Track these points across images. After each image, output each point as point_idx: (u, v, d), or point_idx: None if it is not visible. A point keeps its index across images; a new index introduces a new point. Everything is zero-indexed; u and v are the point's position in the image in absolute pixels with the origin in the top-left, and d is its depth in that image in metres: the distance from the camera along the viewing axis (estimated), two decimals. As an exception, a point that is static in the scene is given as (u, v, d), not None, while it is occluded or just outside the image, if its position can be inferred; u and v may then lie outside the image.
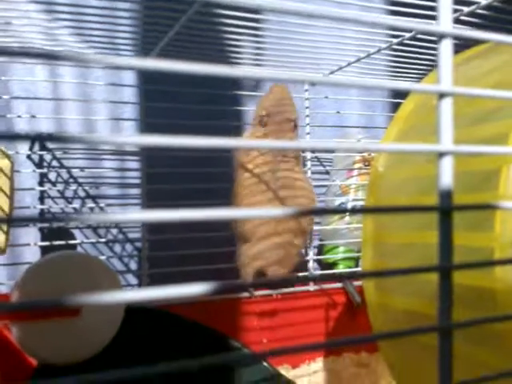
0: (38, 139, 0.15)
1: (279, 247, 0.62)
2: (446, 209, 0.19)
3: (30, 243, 0.65)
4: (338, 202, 0.78)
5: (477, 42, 0.38)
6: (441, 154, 0.19)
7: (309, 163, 0.77)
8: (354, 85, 0.19)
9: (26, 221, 0.14)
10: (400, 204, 0.32)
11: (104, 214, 0.14)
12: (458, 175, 0.29)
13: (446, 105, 0.19)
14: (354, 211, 0.18)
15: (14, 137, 0.17)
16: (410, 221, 0.31)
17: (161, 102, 0.69)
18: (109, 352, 0.44)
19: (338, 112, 0.83)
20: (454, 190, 0.24)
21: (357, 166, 0.79)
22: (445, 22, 0.20)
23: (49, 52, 0.15)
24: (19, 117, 0.68)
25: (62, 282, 0.42)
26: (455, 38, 0.20)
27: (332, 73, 0.73)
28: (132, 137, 0.16)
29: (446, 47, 0.20)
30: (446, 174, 0.19)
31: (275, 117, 0.63)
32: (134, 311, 0.49)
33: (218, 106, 0.74)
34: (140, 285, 0.70)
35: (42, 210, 0.69)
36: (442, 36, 0.20)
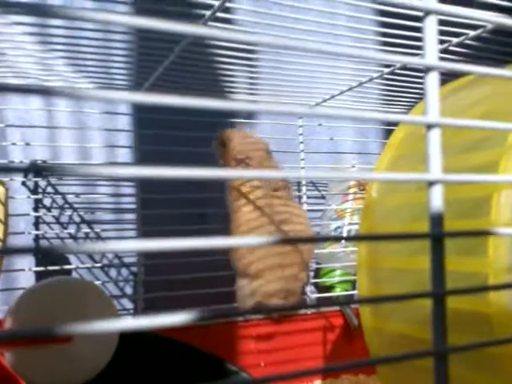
0: (33, 170, 0.15)
1: (281, 281, 0.62)
2: (437, 236, 0.20)
3: (25, 268, 0.65)
4: (333, 226, 0.79)
5: (464, 73, 0.40)
6: (430, 183, 0.20)
7: (304, 188, 0.78)
8: (344, 116, 0.20)
9: (20, 252, 0.14)
10: (393, 230, 0.33)
11: (98, 243, 0.15)
12: (450, 202, 0.29)
13: (434, 135, 0.20)
14: (347, 238, 0.19)
15: (10, 169, 0.18)
16: (403, 246, 0.32)
17: (155, 129, 0.70)
18: (103, 377, 0.44)
19: (332, 139, 0.84)
20: (446, 216, 0.24)
21: (352, 190, 0.80)
22: (431, 55, 0.21)
23: (45, 88, 0.15)
24: (14, 144, 0.69)
25: (56, 308, 0.42)
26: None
27: (324, 101, 0.74)
28: (127, 167, 0.16)
29: (432, 79, 0.20)
30: (436, 202, 0.20)
31: (251, 153, 0.64)
32: (128, 336, 0.49)
33: (212, 132, 0.75)
34: (135, 309, 0.70)
35: (36, 235, 0.69)
36: (428, 69, 0.20)
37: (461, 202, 0.28)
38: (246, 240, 0.18)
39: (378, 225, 0.35)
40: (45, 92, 0.15)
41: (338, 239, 0.19)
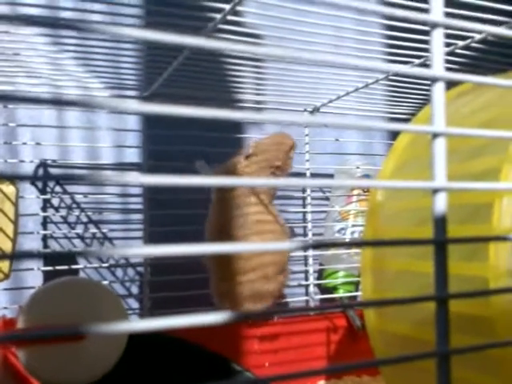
0: (44, 179, 0.16)
1: (252, 283, 0.62)
2: (440, 241, 0.20)
3: (33, 268, 0.66)
4: (337, 227, 0.80)
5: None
6: (435, 191, 0.21)
7: (308, 189, 0.78)
8: (347, 125, 0.21)
9: (29, 257, 0.15)
10: (398, 233, 0.33)
11: (106, 249, 0.15)
12: (452, 208, 0.30)
13: (440, 144, 0.21)
14: (351, 244, 0.19)
15: (21, 178, 0.18)
16: (408, 250, 0.33)
17: (163, 129, 0.71)
18: (113, 375, 0.44)
19: (337, 139, 0.84)
20: (448, 221, 0.25)
21: (356, 192, 0.80)
22: (437, 65, 0.21)
23: (57, 98, 0.16)
24: (24, 144, 0.70)
25: (67, 308, 0.43)
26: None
27: (330, 102, 0.74)
28: (136, 176, 0.17)
29: (438, 90, 0.21)
30: (440, 209, 0.20)
31: (258, 157, 0.63)
32: (137, 335, 0.50)
33: (219, 133, 0.76)
34: (141, 309, 0.71)
35: (44, 235, 0.70)
36: (434, 80, 0.21)
37: (463, 208, 0.29)
38: (252, 245, 0.19)
39: (382, 228, 0.36)
40: (55, 102, 0.16)
41: (342, 245, 0.19)
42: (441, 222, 0.21)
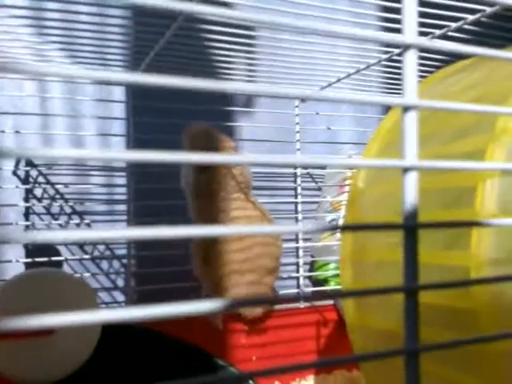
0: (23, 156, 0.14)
1: (241, 288, 0.60)
2: (410, 226, 0.18)
3: (13, 260, 0.64)
4: (328, 218, 0.78)
5: (461, 57, 0.38)
6: (405, 170, 0.19)
7: (299, 179, 0.76)
8: (342, 100, 0.18)
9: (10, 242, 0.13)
10: (377, 221, 0.31)
11: (89, 231, 0.14)
12: (434, 192, 0.28)
13: (411, 118, 0.19)
14: (330, 229, 0.17)
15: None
16: (387, 239, 0.31)
17: (150, 117, 0.69)
18: (85, 371, 0.43)
19: (329, 128, 0.82)
20: (429, 207, 0.23)
21: (348, 182, 0.78)
22: (409, 32, 0.19)
23: (38, 69, 0.14)
24: (2, 132, 0.68)
25: (36, 300, 0.41)
26: (429, 51, 0.19)
27: (322, 89, 0.72)
28: (120, 152, 0.15)
29: (410, 58, 0.19)
30: (411, 191, 0.18)
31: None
32: (111, 328, 0.48)
33: (208, 121, 0.74)
34: (127, 302, 0.69)
35: (26, 225, 0.68)
36: (406, 47, 0.19)
37: (446, 192, 0.27)
38: (237, 228, 0.17)
39: (362, 217, 0.34)
40: (41, 74, 0.14)
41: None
42: (411, 206, 0.18)
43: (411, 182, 0.19)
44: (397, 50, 0.60)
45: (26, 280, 0.42)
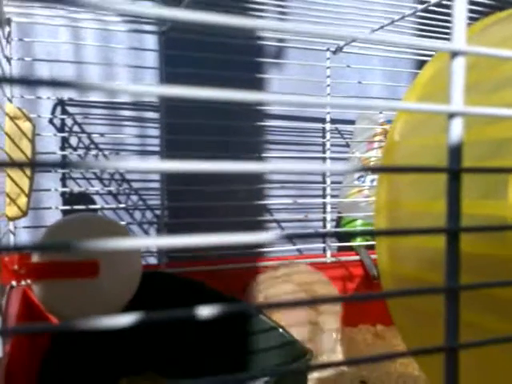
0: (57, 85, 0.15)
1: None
2: (454, 170, 0.19)
3: (52, 207, 0.67)
4: (356, 175, 0.78)
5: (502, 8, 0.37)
6: (451, 115, 0.19)
7: (328, 135, 0.76)
8: (393, 42, 0.19)
9: (47, 165, 0.14)
10: (412, 174, 0.32)
11: (122, 161, 0.14)
12: (472, 143, 0.28)
13: (459, 64, 0.19)
14: (366, 170, 0.18)
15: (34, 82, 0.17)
16: (423, 190, 0.31)
17: (182, 67, 0.69)
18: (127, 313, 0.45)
19: (360, 82, 0.81)
20: (468, 158, 0.23)
21: (377, 138, 0.78)
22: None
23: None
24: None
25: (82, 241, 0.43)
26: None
27: (354, 41, 0.71)
28: (153, 86, 0.16)
29: (459, 2, 0.19)
30: (456, 135, 0.19)
31: None
32: (150, 275, 0.50)
33: (237, 72, 0.73)
34: (159, 252, 0.72)
35: (63, 174, 0.70)
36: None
37: (485, 144, 0.27)
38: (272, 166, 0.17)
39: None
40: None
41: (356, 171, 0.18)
42: (456, 150, 0.19)
43: (457, 127, 0.19)
44: (433, 1, 0.59)
45: (73, 222, 0.44)
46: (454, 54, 0.19)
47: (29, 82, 0.14)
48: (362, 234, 0.21)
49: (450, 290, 0.19)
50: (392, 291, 0.28)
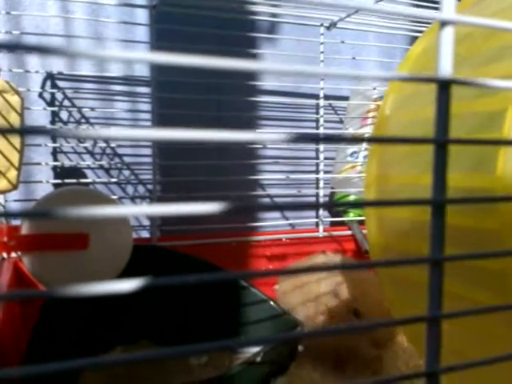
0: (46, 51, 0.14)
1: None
2: (440, 141, 0.19)
3: (43, 180, 0.67)
4: (349, 150, 0.78)
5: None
6: (439, 86, 0.19)
7: (322, 111, 0.76)
8: (386, 11, 0.18)
9: (35, 133, 0.14)
10: (402, 148, 0.32)
11: (113, 130, 0.14)
12: (463, 116, 0.28)
13: (447, 34, 0.19)
14: (356, 140, 0.18)
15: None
16: (411, 164, 0.31)
17: (173, 41, 0.68)
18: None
19: (354, 58, 0.80)
20: (459, 131, 0.23)
21: (371, 114, 0.77)
22: None
23: None
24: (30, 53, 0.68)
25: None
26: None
27: (348, 16, 0.70)
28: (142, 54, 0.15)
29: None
30: (443, 107, 0.19)
31: None
32: (141, 249, 0.50)
33: (231, 47, 0.73)
34: (151, 226, 0.72)
35: (54, 148, 0.69)
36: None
37: (474, 116, 0.27)
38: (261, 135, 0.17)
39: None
40: None
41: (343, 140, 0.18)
42: (443, 122, 0.19)
43: (444, 98, 0.19)
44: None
45: (63, 195, 0.44)
46: (443, 24, 0.19)
47: (16, 46, 0.14)
48: (350, 205, 0.21)
49: (434, 261, 0.19)
50: (379, 261, 0.28)
